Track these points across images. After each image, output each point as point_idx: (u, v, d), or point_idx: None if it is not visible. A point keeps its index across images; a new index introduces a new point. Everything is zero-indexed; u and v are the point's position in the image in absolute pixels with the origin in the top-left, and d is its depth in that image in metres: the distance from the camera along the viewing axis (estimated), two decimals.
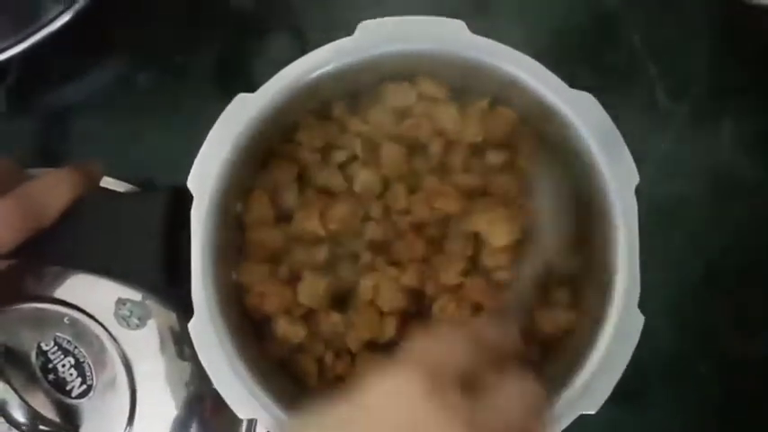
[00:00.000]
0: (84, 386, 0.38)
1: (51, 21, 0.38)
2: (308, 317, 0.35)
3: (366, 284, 0.34)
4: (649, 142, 0.43)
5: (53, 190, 0.31)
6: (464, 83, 0.35)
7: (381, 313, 0.34)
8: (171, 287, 0.33)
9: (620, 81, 0.44)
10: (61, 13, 0.38)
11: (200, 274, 0.31)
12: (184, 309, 0.32)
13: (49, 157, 0.43)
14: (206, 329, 0.31)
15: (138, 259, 0.33)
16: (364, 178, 0.35)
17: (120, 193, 0.38)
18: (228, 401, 0.31)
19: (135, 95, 0.44)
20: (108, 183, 0.40)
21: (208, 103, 0.32)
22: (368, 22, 0.33)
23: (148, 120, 0.43)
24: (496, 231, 0.33)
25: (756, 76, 0.44)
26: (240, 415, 0.31)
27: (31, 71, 0.42)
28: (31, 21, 0.38)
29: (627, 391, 0.41)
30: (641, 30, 0.44)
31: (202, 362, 0.31)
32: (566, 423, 0.31)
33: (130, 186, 0.40)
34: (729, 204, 0.43)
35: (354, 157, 0.35)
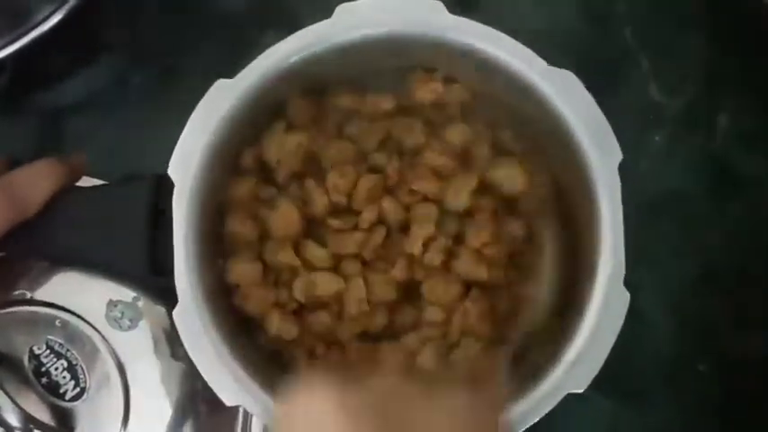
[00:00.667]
0: (78, 389, 0.37)
1: (43, 20, 0.38)
2: (299, 312, 0.34)
3: (356, 280, 0.34)
4: (643, 138, 0.43)
5: (36, 180, 0.31)
6: (446, 63, 0.35)
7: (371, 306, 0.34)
8: (156, 275, 0.33)
9: (613, 76, 0.44)
10: (53, 12, 0.38)
11: (184, 262, 0.31)
12: (172, 299, 0.31)
13: (43, 157, 0.42)
14: (190, 316, 0.31)
15: (122, 247, 0.33)
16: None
17: (103, 183, 0.38)
18: (214, 388, 0.31)
19: (129, 95, 0.44)
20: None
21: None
22: (345, 4, 0.33)
23: (143, 120, 0.43)
24: (515, 176, 0.34)
25: (751, 72, 0.44)
26: (226, 402, 0.31)
27: (24, 71, 0.42)
28: (23, 20, 0.38)
29: (627, 391, 0.41)
30: (634, 24, 0.44)
31: (187, 349, 0.31)
32: (554, 402, 0.31)
33: None
34: (725, 201, 0.43)
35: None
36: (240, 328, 0.34)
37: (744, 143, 0.44)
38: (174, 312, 0.31)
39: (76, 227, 0.33)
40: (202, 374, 0.31)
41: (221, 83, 0.32)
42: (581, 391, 0.31)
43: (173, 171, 0.32)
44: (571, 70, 0.33)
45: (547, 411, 0.31)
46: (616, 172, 0.32)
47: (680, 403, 0.42)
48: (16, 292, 0.38)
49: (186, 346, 0.31)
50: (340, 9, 0.33)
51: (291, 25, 0.33)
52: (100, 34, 0.44)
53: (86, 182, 0.40)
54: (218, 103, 0.32)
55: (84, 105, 0.44)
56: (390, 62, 0.35)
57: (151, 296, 0.38)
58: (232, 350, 0.31)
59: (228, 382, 0.31)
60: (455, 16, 0.33)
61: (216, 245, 0.35)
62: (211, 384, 0.31)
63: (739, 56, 0.44)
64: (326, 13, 0.33)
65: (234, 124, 0.33)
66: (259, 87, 0.33)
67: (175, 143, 0.32)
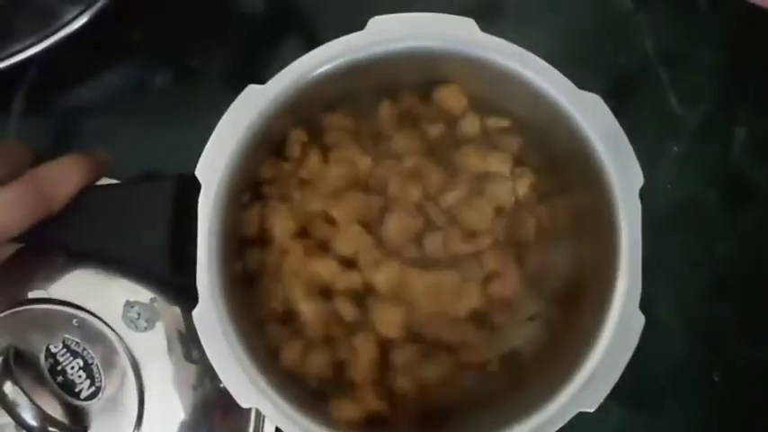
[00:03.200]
0: (93, 388, 0.37)
1: (70, 21, 0.39)
2: None
3: None
4: (661, 148, 0.44)
5: (63, 176, 0.31)
6: (473, 81, 0.35)
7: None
8: (177, 275, 0.33)
9: (632, 87, 0.44)
10: (80, 13, 0.39)
11: (206, 263, 0.31)
12: (190, 301, 0.32)
13: None
14: (210, 317, 0.31)
15: (144, 247, 0.33)
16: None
17: (127, 182, 0.38)
18: (231, 390, 0.31)
19: (150, 96, 0.44)
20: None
21: (223, 104, 0.33)
22: (379, 17, 0.33)
23: (164, 121, 0.44)
24: None
25: None
26: (242, 404, 0.31)
27: (49, 71, 0.42)
28: (51, 21, 0.39)
29: (639, 399, 0.41)
30: (654, 35, 0.44)
31: (206, 350, 0.31)
32: (564, 420, 0.31)
33: None
34: (740, 212, 0.43)
35: None
36: (257, 332, 0.34)
37: (760, 155, 0.44)
38: (194, 313, 0.31)
39: (99, 223, 0.33)
40: (219, 375, 0.31)
41: (252, 88, 0.33)
42: (592, 410, 0.31)
43: (200, 172, 0.32)
44: (590, 79, 0.33)
45: (556, 429, 0.31)
46: (637, 196, 0.32)
47: (692, 412, 0.42)
48: (34, 291, 0.38)
49: (204, 346, 0.31)
50: (373, 21, 0.33)
51: (310, 32, 0.34)
52: (123, 36, 0.44)
53: (105, 182, 0.40)
54: (249, 107, 0.33)
55: (107, 105, 0.44)
56: (420, 77, 0.36)
57: (168, 297, 0.38)
58: (249, 353, 0.32)
59: (245, 384, 0.31)
60: (487, 35, 0.33)
61: (237, 248, 0.35)
62: (227, 385, 0.31)
63: (757, 69, 0.45)
64: (340, 13, 0.33)
65: (263, 128, 0.33)
66: (289, 93, 0.33)
67: (195, 144, 0.33)
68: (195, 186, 0.32)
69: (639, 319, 0.32)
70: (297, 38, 0.43)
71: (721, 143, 0.44)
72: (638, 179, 0.33)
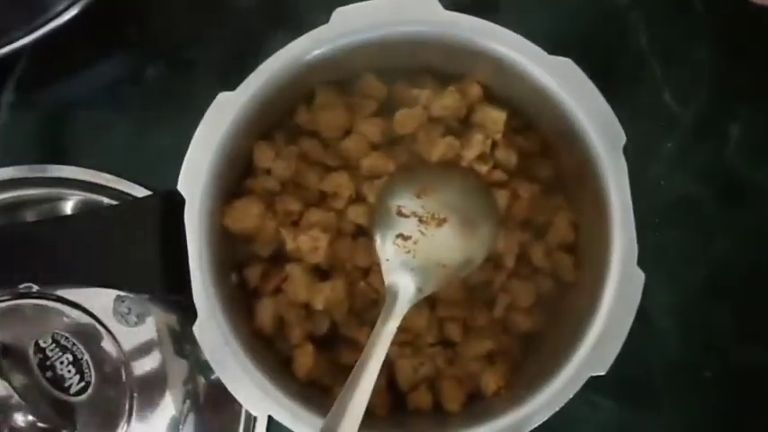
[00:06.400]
0: (83, 383, 0.37)
1: (60, 13, 0.38)
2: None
3: None
4: (655, 145, 0.43)
5: None
6: (446, 60, 0.35)
7: None
8: (171, 292, 0.32)
9: (626, 83, 0.44)
10: (70, 5, 0.38)
11: (200, 276, 0.31)
12: (185, 312, 0.31)
13: (56, 150, 0.42)
14: (211, 330, 0.31)
15: (136, 268, 0.32)
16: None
17: (113, 205, 0.39)
18: (240, 399, 0.31)
19: (143, 90, 0.44)
20: (109, 180, 0.40)
21: (215, 98, 0.33)
22: (342, 8, 0.33)
23: (156, 114, 0.43)
24: None
25: (763, 82, 0.44)
26: (254, 412, 0.31)
27: (40, 63, 0.42)
28: (41, 13, 0.38)
29: (633, 396, 0.41)
30: (649, 32, 0.44)
31: (210, 362, 0.31)
32: (577, 386, 0.31)
33: (135, 185, 0.40)
34: (735, 210, 0.43)
35: None
36: (258, 340, 0.34)
37: (754, 153, 0.44)
38: (195, 327, 0.31)
39: (88, 252, 0.33)
40: (228, 387, 0.31)
41: (223, 96, 0.32)
42: (603, 372, 0.31)
43: (182, 187, 0.32)
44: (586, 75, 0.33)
45: (571, 396, 0.31)
46: (621, 154, 0.32)
47: (686, 409, 0.42)
48: (23, 285, 0.38)
49: (209, 359, 0.31)
50: (337, 13, 0.33)
51: (302, 24, 0.33)
52: (116, 29, 0.44)
53: (99, 178, 0.40)
54: (222, 115, 0.32)
55: (99, 98, 0.44)
56: (393, 62, 0.35)
57: (162, 306, 0.38)
58: (253, 360, 0.31)
59: (254, 392, 0.31)
60: (450, 12, 0.33)
61: (229, 257, 0.35)
62: (237, 396, 0.31)
63: (752, 67, 0.45)
64: (333, 7, 0.33)
65: (238, 136, 0.33)
66: (261, 95, 0.33)
67: (186, 138, 0.32)
68: (181, 200, 0.32)
69: (639, 277, 0.32)
70: (290, 30, 0.43)
71: (716, 140, 0.44)
72: (620, 137, 0.32)
